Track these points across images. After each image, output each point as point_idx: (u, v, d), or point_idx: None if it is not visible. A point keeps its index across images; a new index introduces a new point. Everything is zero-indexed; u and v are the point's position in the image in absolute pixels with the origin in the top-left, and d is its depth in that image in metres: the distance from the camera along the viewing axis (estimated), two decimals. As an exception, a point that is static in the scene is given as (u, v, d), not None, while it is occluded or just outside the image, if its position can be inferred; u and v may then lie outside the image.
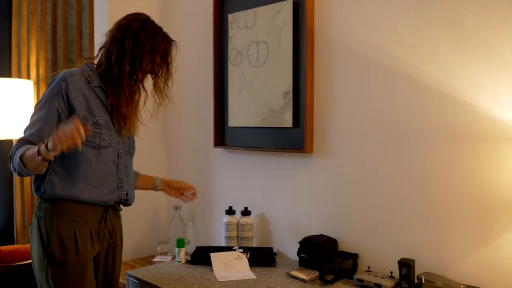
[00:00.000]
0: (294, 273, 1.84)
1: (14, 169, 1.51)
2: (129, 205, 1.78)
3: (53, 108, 1.55)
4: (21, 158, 1.46)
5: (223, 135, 2.40)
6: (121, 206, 1.78)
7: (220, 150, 2.44)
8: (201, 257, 2.02)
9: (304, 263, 1.92)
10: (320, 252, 1.87)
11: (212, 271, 1.90)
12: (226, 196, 2.43)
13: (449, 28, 1.63)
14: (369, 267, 1.82)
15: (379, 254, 1.84)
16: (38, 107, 1.57)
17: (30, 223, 1.64)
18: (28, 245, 2.39)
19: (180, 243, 2.07)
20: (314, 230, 2.03)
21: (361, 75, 1.88)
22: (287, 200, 2.16)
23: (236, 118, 2.31)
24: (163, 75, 1.68)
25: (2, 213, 3.28)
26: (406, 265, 1.65)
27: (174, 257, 2.23)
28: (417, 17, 1.70)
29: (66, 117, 1.55)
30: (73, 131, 1.36)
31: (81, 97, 1.58)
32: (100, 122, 1.61)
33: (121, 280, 2.04)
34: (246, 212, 2.21)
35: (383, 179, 1.83)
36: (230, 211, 2.22)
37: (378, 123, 1.83)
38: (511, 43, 1.50)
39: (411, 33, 1.72)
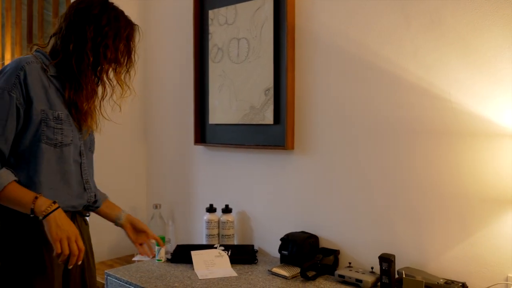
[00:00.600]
0: (275, 270, 1.83)
1: None
2: (98, 208, 1.58)
3: (13, 103, 1.31)
4: None
5: (204, 132, 2.38)
6: (88, 212, 1.58)
7: (200, 148, 2.42)
8: (182, 255, 1.99)
9: (285, 260, 1.92)
10: (302, 249, 1.86)
11: (193, 269, 1.87)
12: (207, 193, 2.41)
13: (429, 25, 1.64)
14: (350, 263, 1.82)
15: (360, 250, 1.85)
16: None
17: None
18: None
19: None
20: (295, 227, 2.03)
21: (342, 72, 1.88)
22: (268, 197, 2.15)
23: (217, 115, 2.29)
24: (125, 64, 1.48)
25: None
26: (386, 260, 1.66)
27: (154, 256, 2.20)
28: (398, 13, 1.71)
29: (23, 112, 1.34)
30: (73, 248, 1.29)
31: (40, 88, 1.36)
32: (62, 116, 1.39)
33: (100, 280, 2.00)
34: (227, 210, 2.20)
35: (364, 176, 1.83)
36: (211, 209, 2.21)
37: (359, 120, 1.84)
38: (489, 40, 1.52)
39: (392, 30, 1.73)
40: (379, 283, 1.69)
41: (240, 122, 2.19)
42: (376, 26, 1.77)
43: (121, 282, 1.81)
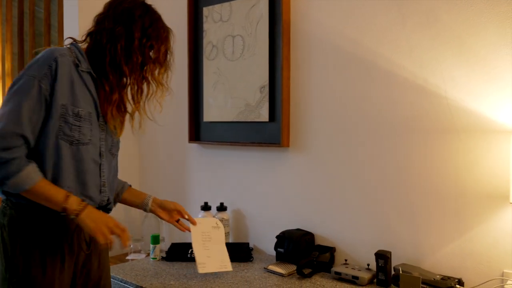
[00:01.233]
0: (271, 267, 1.83)
1: None
2: (110, 210, 1.53)
3: (42, 93, 1.29)
4: (27, 179, 1.26)
5: (198, 130, 2.37)
6: None
7: (195, 145, 2.41)
8: (177, 253, 1.98)
9: (281, 258, 1.92)
10: (298, 246, 1.86)
11: (188, 267, 1.86)
12: (202, 191, 2.40)
13: (425, 23, 1.65)
14: (346, 260, 1.83)
15: (355, 247, 1.85)
16: (22, 88, 1.28)
17: None
18: None
19: (155, 239, 2.03)
20: (291, 224, 2.03)
21: (337, 69, 1.88)
22: (264, 195, 2.15)
23: (212, 112, 2.28)
24: (165, 64, 1.49)
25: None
26: (382, 257, 1.67)
27: (148, 255, 2.19)
28: (394, 11, 1.72)
29: (48, 104, 1.31)
30: (117, 232, 1.34)
31: (68, 82, 1.34)
32: (82, 114, 1.36)
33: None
34: (222, 208, 2.19)
35: (360, 173, 1.84)
36: (206, 207, 2.20)
37: (355, 117, 1.84)
38: (484, 37, 1.53)
39: (388, 28, 1.74)
40: (375, 280, 1.69)
41: (235, 120, 2.18)
42: (372, 25, 1.78)
43: (116, 281, 1.79)
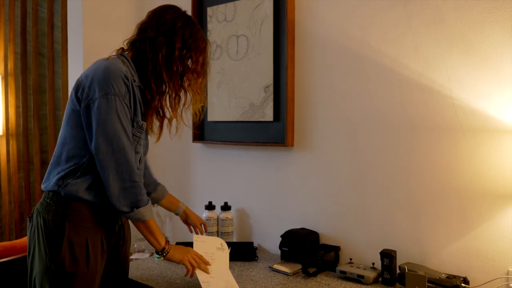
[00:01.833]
0: (276, 266, 1.84)
1: (130, 198, 1.41)
2: None
3: (127, 108, 1.41)
4: (146, 213, 1.45)
5: (202, 129, 2.37)
6: None
7: (199, 145, 2.42)
8: None
9: (286, 257, 1.92)
10: (303, 245, 1.87)
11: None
12: (206, 191, 2.40)
13: (430, 22, 1.66)
14: (351, 259, 1.83)
15: (360, 247, 1.86)
16: (112, 110, 1.37)
17: (29, 217, 1.47)
18: (23, 240, 2.22)
19: (160, 239, 2.03)
20: (295, 224, 2.03)
21: (342, 68, 1.89)
22: (268, 194, 2.15)
23: (216, 112, 2.29)
24: (202, 74, 1.56)
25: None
26: (388, 255, 1.67)
27: (151, 254, 2.19)
28: (399, 10, 1.73)
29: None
30: (200, 264, 1.57)
31: (132, 96, 1.43)
32: (144, 126, 1.49)
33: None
34: (226, 207, 2.20)
35: (365, 172, 1.84)
36: (210, 206, 2.20)
37: (360, 116, 1.85)
38: (490, 36, 1.54)
39: (393, 26, 1.74)
40: (380, 279, 1.70)
41: (240, 119, 2.18)
42: (377, 24, 1.78)
43: (121, 280, 1.79)
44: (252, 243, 2.11)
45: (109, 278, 1.56)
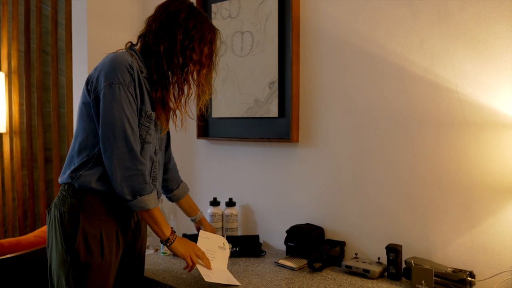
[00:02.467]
0: (282, 261, 1.84)
1: (130, 187, 1.41)
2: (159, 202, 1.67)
3: (132, 98, 1.43)
4: (150, 201, 1.45)
5: (206, 126, 2.37)
6: None
7: (203, 141, 2.42)
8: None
9: (291, 252, 1.92)
10: (308, 240, 1.87)
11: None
12: (210, 187, 2.40)
13: (436, 17, 1.66)
14: (356, 254, 1.83)
15: (365, 241, 1.86)
16: (116, 98, 1.39)
17: (48, 210, 1.50)
18: (28, 237, 2.24)
19: (165, 234, 2.04)
20: (300, 219, 2.04)
21: (347, 64, 1.89)
22: (273, 190, 2.16)
23: (220, 108, 2.29)
24: (208, 65, 1.55)
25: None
26: (393, 250, 1.68)
27: (156, 250, 2.19)
28: (405, 6, 1.73)
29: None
30: (203, 259, 1.58)
31: (139, 86, 1.45)
32: (152, 116, 1.49)
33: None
34: (230, 203, 2.20)
35: (369, 167, 1.85)
36: (215, 202, 2.20)
37: (365, 112, 1.85)
38: (495, 31, 1.54)
39: (399, 22, 1.75)
40: (386, 273, 1.70)
41: (244, 116, 2.19)
42: (383, 19, 1.79)
43: (127, 275, 1.80)
44: (258, 236, 2.10)
45: (125, 272, 1.58)
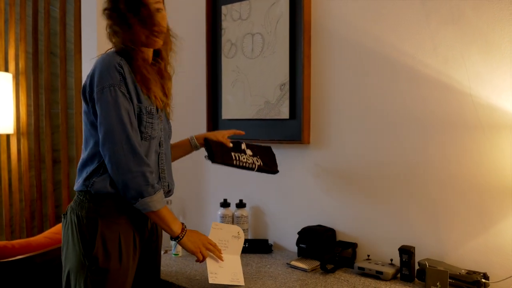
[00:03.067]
0: (294, 263, 1.84)
1: (135, 189, 1.40)
2: (171, 195, 1.68)
3: (126, 97, 1.42)
4: (158, 200, 1.44)
5: (216, 127, 2.38)
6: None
7: (213, 143, 2.42)
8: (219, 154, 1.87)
9: (303, 253, 1.93)
10: (320, 242, 1.88)
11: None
12: (221, 188, 2.41)
13: (449, 20, 1.67)
14: (369, 256, 1.84)
15: (377, 243, 1.87)
16: (109, 103, 1.39)
17: (64, 214, 1.50)
18: (38, 238, 2.25)
19: (176, 236, 2.04)
20: (311, 221, 2.04)
21: (359, 67, 1.90)
22: (283, 191, 2.16)
23: (230, 110, 2.30)
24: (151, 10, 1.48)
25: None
26: (407, 252, 1.68)
27: (166, 252, 2.19)
28: (418, 8, 1.73)
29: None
30: (211, 250, 1.58)
31: (132, 82, 1.45)
32: (153, 111, 1.49)
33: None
34: (241, 205, 2.20)
35: (382, 169, 1.85)
36: (225, 204, 2.21)
37: (376, 114, 1.86)
38: (509, 33, 1.55)
39: (412, 24, 1.75)
40: (399, 275, 1.71)
41: (255, 117, 2.19)
42: (395, 21, 1.79)
43: (140, 276, 1.80)
44: (267, 240, 2.12)
45: (142, 273, 1.58)
